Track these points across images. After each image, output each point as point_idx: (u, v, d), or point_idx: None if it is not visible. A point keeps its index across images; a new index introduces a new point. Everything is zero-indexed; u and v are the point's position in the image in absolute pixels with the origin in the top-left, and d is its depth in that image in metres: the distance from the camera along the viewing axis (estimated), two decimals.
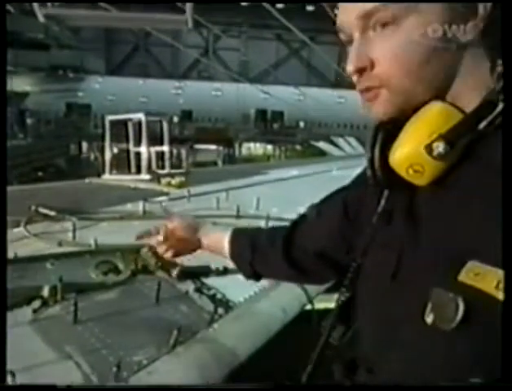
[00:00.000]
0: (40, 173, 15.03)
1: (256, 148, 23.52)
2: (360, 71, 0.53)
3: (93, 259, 1.62)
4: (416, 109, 0.54)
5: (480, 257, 0.46)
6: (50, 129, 20.54)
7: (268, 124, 23.71)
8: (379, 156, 0.55)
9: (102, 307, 1.35)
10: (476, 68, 0.53)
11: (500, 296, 0.44)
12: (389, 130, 0.55)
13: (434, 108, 0.52)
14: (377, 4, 0.51)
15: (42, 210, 2.27)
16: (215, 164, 18.03)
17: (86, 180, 4.33)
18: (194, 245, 0.94)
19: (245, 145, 22.93)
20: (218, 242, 0.91)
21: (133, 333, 1.26)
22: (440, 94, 0.54)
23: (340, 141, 17.98)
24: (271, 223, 2.32)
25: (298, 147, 22.37)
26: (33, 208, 2.26)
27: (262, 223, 2.33)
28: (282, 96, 19.19)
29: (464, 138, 0.50)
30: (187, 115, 23.30)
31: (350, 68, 0.53)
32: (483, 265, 0.45)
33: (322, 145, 18.07)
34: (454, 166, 0.51)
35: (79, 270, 1.54)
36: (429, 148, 0.50)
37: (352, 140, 17.73)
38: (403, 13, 0.50)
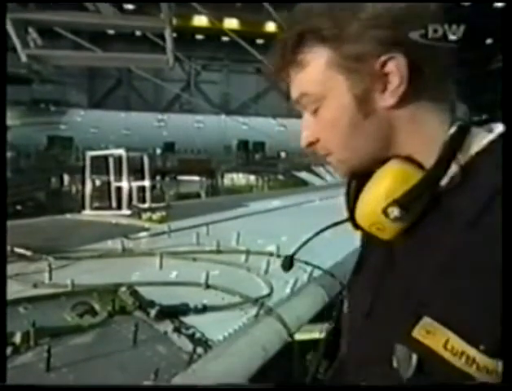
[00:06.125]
0: (19, 207, 14.68)
1: (238, 179, 23.65)
2: (309, 145, 0.60)
3: (69, 301, 1.58)
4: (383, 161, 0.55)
5: (432, 314, 0.47)
6: (31, 163, 20.25)
7: (250, 154, 23.97)
8: (351, 207, 0.58)
9: (77, 351, 1.31)
10: (421, 124, 0.54)
11: (447, 355, 0.45)
12: (359, 181, 0.58)
13: (392, 169, 0.54)
14: (301, 91, 0.57)
15: (18, 250, 2.22)
16: (198, 195, 17.98)
17: (67, 215, 4.28)
18: None
19: (228, 176, 23.04)
20: None
21: (109, 378, 1.23)
22: (391, 154, 0.55)
23: (321, 170, 18.26)
24: (252, 258, 2.33)
25: (281, 177, 22.59)
26: (9, 248, 2.21)
27: (242, 258, 2.33)
28: (263, 127, 19.54)
29: (420, 200, 0.52)
30: (169, 147, 23.38)
31: (301, 143, 0.60)
32: (434, 322, 0.47)
33: (304, 175, 18.29)
34: (421, 218, 0.53)
35: (54, 312, 1.50)
36: (385, 212, 0.52)
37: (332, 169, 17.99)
38: (320, 97, 0.55)
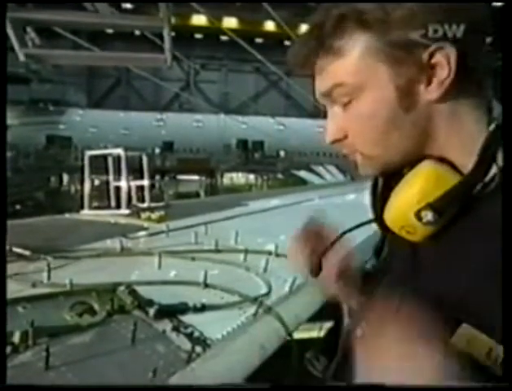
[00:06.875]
0: (18, 207, 14.69)
1: (238, 178, 23.64)
2: (335, 141, 0.56)
3: (67, 300, 1.58)
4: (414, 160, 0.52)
5: (472, 321, 0.44)
6: (30, 162, 20.24)
7: (249, 154, 23.96)
8: (378, 206, 0.56)
9: (76, 350, 1.31)
10: (460, 121, 0.51)
11: (491, 364, 0.42)
12: (386, 180, 0.56)
13: (425, 170, 0.51)
14: (335, 82, 0.52)
15: (17, 250, 2.22)
16: (198, 194, 17.97)
17: (66, 215, 4.29)
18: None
19: (227, 175, 23.03)
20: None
21: (107, 377, 1.23)
22: (425, 152, 0.52)
23: (320, 169, 18.30)
24: (250, 257, 2.33)
25: (280, 176, 22.60)
26: (7, 247, 2.21)
27: (241, 257, 2.33)
28: (262, 126, 19.56)
29: (456, 204, 0.49)
30: (168, 146, 23.36)
31: (327, 139, 0.56)
32: (475, 330, 0.44)
33: (303, 174, 18.33)
34: (453, 220, 0.50)
35: (52, 312, 1.50)
36: (418, 215, 0.50)
37: (332, 168, 18.09)
38: (358, 88, 0.51)
